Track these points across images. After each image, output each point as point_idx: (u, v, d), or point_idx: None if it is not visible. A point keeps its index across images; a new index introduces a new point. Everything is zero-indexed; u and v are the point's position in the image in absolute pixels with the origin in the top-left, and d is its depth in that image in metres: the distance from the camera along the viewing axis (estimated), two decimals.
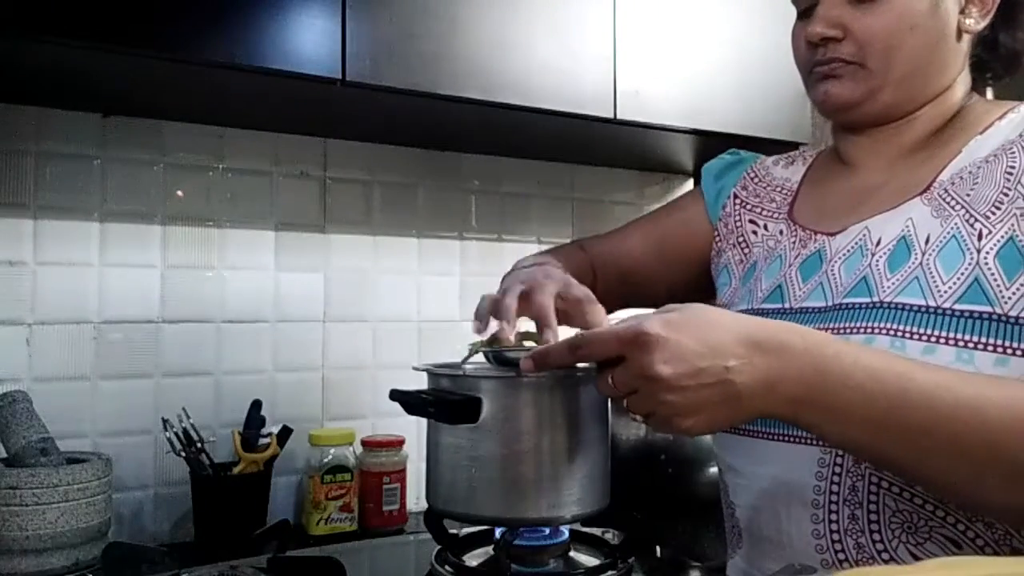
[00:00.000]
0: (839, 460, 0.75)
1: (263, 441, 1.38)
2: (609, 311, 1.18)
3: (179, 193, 1.42)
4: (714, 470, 1.42)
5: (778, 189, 0.97)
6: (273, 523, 1.17)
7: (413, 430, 1.44)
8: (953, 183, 0.78)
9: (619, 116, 1.37)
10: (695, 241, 1.03)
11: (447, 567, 0.99)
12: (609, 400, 1.02)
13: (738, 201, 0.99)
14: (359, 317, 1.56)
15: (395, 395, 0.94)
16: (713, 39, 1.48)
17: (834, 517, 0.75)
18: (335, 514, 1.41)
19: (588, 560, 1.03)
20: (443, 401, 0.92)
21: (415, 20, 1.21)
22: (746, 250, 0.96)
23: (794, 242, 0.88)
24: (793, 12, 0.90)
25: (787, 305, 0.84)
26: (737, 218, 0.98)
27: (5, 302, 1.29)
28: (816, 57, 0.84)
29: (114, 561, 1.10)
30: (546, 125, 1.41)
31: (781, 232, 0.91)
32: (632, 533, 1.03)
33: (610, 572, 0.98)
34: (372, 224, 1.58)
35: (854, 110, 0.84)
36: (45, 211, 1.32)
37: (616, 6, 1.38)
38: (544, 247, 1.72)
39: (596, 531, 1.10)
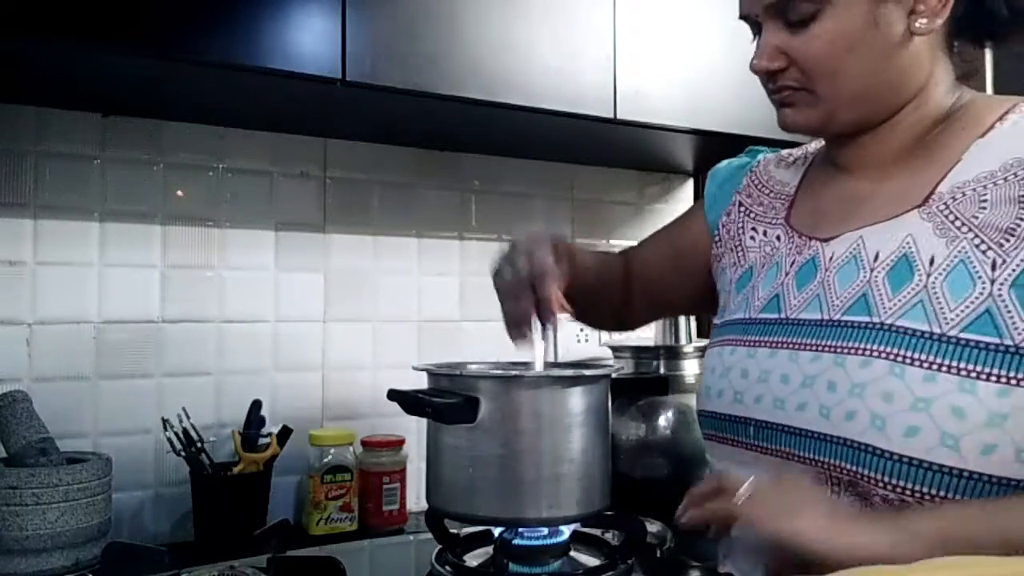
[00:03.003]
0: (836, 481, 0.74)
1: (263, 441, 1.38)
2: (644, 321, 1.20)
3: (179, 193, 1.42)
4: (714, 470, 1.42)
5: (777, 194, 0.95)
6: (273, 523, 1.17)
7: (413, 430, 1.44)
8: (955, 199, 0.75)
9: (619, 116, 1.37)
10: (701, 248, 1.02)
11: (447, 567, 0.99)
12: (609, 400, 1.02)
13: (742, 209, 0.97)
14: (359, 317, 1.56)
15: (393, 395, 0.94)
16: (713, 39, 1.48)
17: None
18: (335, 514, 1.41)
19: (588, 560, 1.03)
20: (441, 401, 0.92)
21: (415, 20, 1.21)
22: (741, 254, 0.95)
23: (790, 248, 0.87)
24: None
25: (783, 315, 0.83)
26: (740, 225, 0.97)
27: (5, 302, 1.29)
28: (769, 86, 0.84)
29: (114, 561, 1.10)
30: (546, 125, 1.41)
31: (778, 237, 0.90)
32: (632, 533, 1.03)
33: (610, 572, 0.98)
34: (372, 224, 1.58)
35: (819, 132, 0.84)
36: (45, 211, 1.32)
37: (616, 6, 1.38)
38: None
39: (596, 531, 1.10)
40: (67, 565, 1.13)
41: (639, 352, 1.54)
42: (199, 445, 1.33)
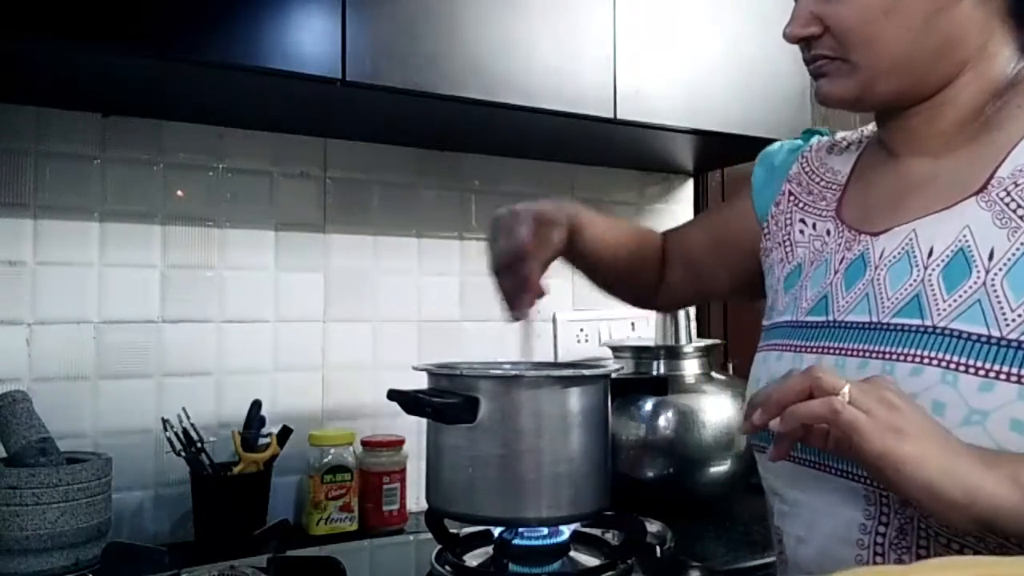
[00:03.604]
0: (885, 500, 0.68)
1: (263, 441, 1.38)
2: (681, 302, 1.16)
3: (179, 193, 1.42)
4: (715, 470, 1.42)
5: (828, 183, 0.88)
6: (273, 523, 1.17)
7: (413, 430, 1.44)
8: (1017, 183, 0.68)
9: (619, 116, 1.37)
10: (746, 235, 0.95)
11: (447, 567, 0.99)
12: (609, 400, 1.02)
13: (792, 199, 0.90)
14: (359, 317, 1.56)
15: (393, 395, 0.94)
16: (713, 39, 1.48)
17: (880, 561, 0.68)
18: (335, 514, 1.41)
19: (588, 560, 1.03)
20: (441, 401, 0.92)
21: (415, 20, 1.21)
22: (789, 249, 0.88)
23: (840, 244, 0.81)
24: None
25: (830, 318, 0.77)
26: (788, 216, 0.90)
27: (5, 302, 1.29)
28: (805, 55, 0.79)
29: (114, 561, 1.10)
30: (546, 125, 1.41)
31: (828, 232, 0.83)
32: (632, 533, 1.03)
33: (610, 572, 0.98)
34: (372, 224, 1.58)
35: (856, 105, 0.78)
36: (45, 211, 1.32)
37: (616, 6, 1.38)
38: None
39: (596, 531, 1.10)
40: (67, 565, 1.13)
41: (639, 352, 1.54)
42: (199, 445, 1.33)
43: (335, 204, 1.54)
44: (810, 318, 0.79)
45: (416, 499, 1.51)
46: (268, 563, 1.03)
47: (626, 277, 1.07)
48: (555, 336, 1.72)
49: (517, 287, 0.91)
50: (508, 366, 1.03)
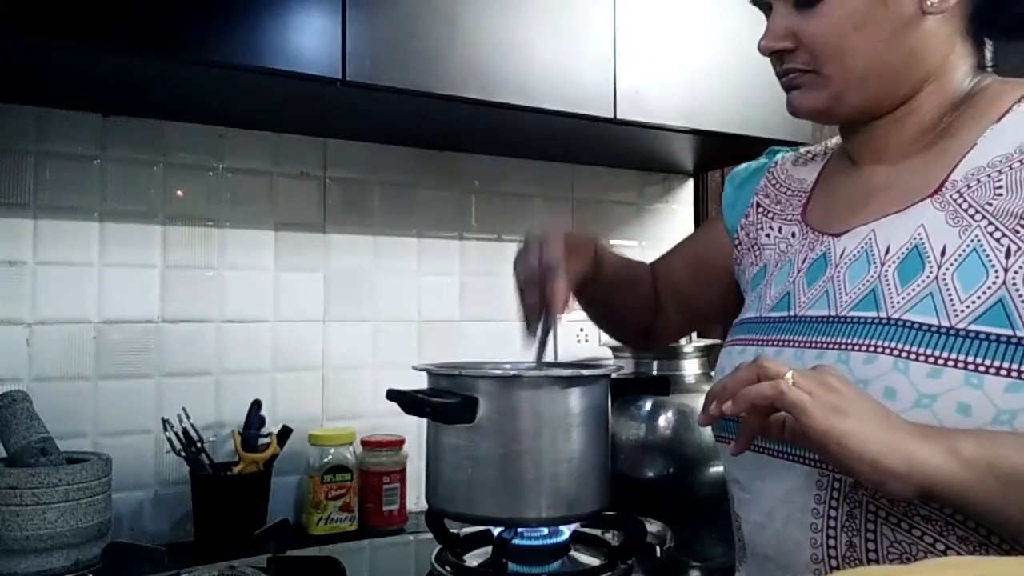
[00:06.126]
0: (836, 485, 0.72)
1: (263, 441, 1.38)
2: (675, 332, 1.18)
3: (179, 193, 1.42)
4: (715, 470, 1.42)
5: (794, 191, 0.93)
6: (273, 523, 1.17)
7: (413, 430, 1.44)
8: (969, 186, 0.72)
9: (619, 116, 1.37)
10: (721, 253, 1.00)
11: (447, 567, 0.99)
12: (609, 400, 1.02)
13: (760, 210, 0.95)
14: (359, 317, 1.56)
15: (392, 395, 0.94)
16: (713, 39, 1.48)
17: (832, 543, 0.72)
18: (335, 514, 1.41)
19: (588, 560, 1.03)
20: (440, 401, 0.92)
21: (415, 20, 1.21)
22: (757, 253, 0.93)
23: (804, 244, 0.85)
24: None
25: (792, 313, 0.81)
26: (757, 226, 0.95)
27: (5, 302, 1.29)
28: (777, 68, 0.83)
29: (114, 561, 1.10)
30: (546, 125, 1.41)
31: (793, 234, 0.88)
32: (632, 533, 1.03)
33: (610, 572, 0.98)
34: (372, 224, 1.58)
35: (826, 116, 0.82)
36: (45, 211, 1.32)
37: (616, 6, 1.38)
38: None
39: (596, 531, 1.10)
40: (67, 565, 1.13)
41: (639, 352, 1.54)
42: (199, 445, 1.33)
43: (335, 204, 1.54)
44: (773, 314, 0.83)
45: (416, 499, 1.52)
46: (268, 563, 1.03)
47: (623, 309, 1.10)
48: (555, 336, 1.72)
49: (540, 304, 0.92)
50: (508, 366, 1.03)
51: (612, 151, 1.69)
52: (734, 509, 0.86)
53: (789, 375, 0.64)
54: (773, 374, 0.65)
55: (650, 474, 1.42)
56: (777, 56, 0.81)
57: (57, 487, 1.12)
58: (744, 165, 1.03)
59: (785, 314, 0.82)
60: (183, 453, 1.32)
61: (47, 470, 1.13)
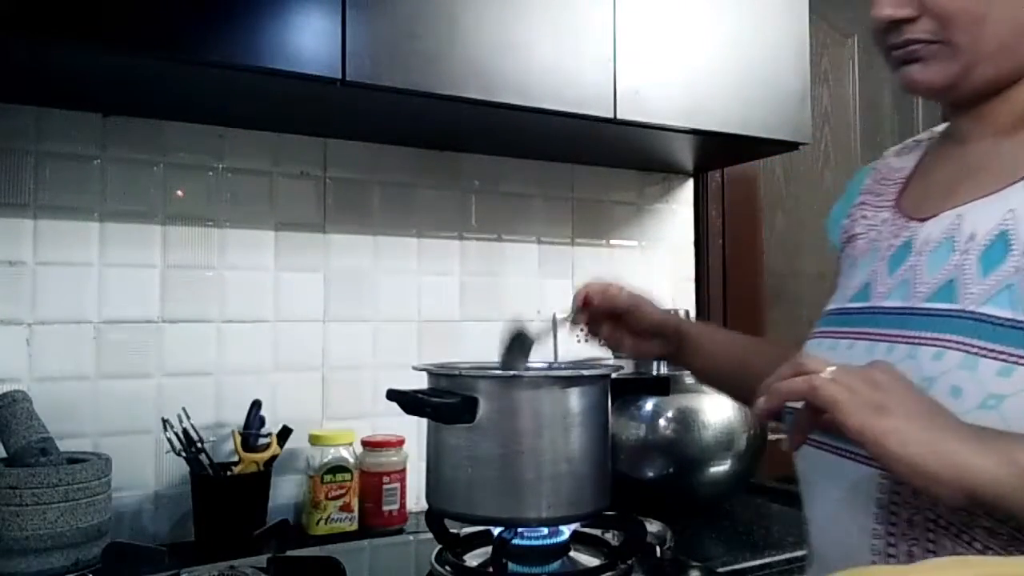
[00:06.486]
0: (897, 488, 0.67)
1: (263, 441, 1.38)
2: None
3: (179, 193, 1.42)
4: (715, 470, 1.42)
5: (894, 181, 0.86)
6: (273, 523, 1.17)
7: (413, 430, 1.44)
8: None
9: (619, 116, 1.37)
10: None
11: (447, 567, 0.99)
12: (609, 400, 1.02)
13: (861, 207, 0.88)
14: (359, 317, 1.56)
15: (392, 395, 0.94)
16: (713, 39, 1.48)
17: (892, 551, 0.67)
18: (335, 514, 1.41)
19: (588, 560, 1.03)
20: (440, 401, 0.92)
21: (415, 20, 1.21)
22: (851, 246, 0.87)
23: (892, 231, 0.79)
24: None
25: (870, 304, 0.76)
26: (854, 219, 0.88)
27: (5, 302, 1.29)
28: (891, 40, 0.74)
29: (114, 561, 1.10)
30: (546, 125, 1.41)
31: (884, 221, 0.82)
32: (632, 533, 1.03)
33: (610, 572, 0.98)
34: (372, 224, 1.58)
35: (950, 92, 0.74)
36: (45, 211, 1.32)
37: (616, 6, 1.37)
38: (544, 247, 1.73)
39: (596, 531, 1.10)
40: (67, 565, 1.13)
41: None
42: (199, 445, 1.33)
43: (335, 204, 1.54)
44: (852, 304, 0.79)
45: (416, 499, 1.51)
46: (268, 563, 1.03)
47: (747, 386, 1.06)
48: (555, 336, 1.72)
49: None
50: None
51: (612, 151, 1.69)
52: (804, 511, 0.82)
53: (829, 370, 0.61)
54: (809, 368, 0.62)
55: (650, 474, 1.42)
56: (895, 26, 0.73)
57: (57, 487, 1.12)
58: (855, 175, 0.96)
59: (863, 305, 0.77)
60: (183, 453, 1.32)
61: (47, 470, 1.13)
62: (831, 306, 0.84)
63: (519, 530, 0.98)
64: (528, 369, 0.97)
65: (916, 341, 0.68)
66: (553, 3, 1.32)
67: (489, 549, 1.03)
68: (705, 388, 1.47)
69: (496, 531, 0.99)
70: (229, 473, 1.35)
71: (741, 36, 1.50)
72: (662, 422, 1.41)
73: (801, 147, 1.61)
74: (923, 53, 0.72)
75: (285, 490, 1.46)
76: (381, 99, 1.24)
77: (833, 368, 0.61)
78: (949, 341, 0.65)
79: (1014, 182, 0.69)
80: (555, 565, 1.00)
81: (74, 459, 1.20)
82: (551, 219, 1.75)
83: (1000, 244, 0.67)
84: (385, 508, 1.45)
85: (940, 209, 0.74)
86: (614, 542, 1.07)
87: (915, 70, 0.73)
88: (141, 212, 1.39)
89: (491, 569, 0.98)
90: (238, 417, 1.39)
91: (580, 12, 1.35)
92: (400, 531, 1.45)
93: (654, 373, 1.51)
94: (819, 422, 0.64)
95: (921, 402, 0.60)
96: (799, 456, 0.79)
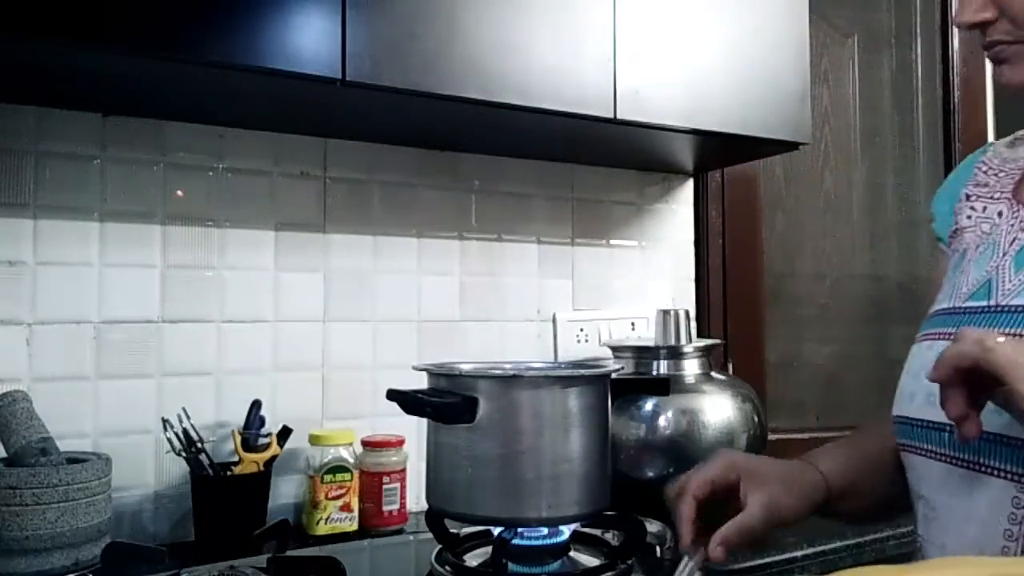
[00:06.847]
0: None
1: (263, 441, 1.38)
2: None
3: (179, 193, 1.42)
4: None
5: (1008, 172, 0.82)
6: (273, 523, 1.17)
7: (413, 430, 1.44)
8: None
9: (619, 116, 1.37)
10: None
11: (447, 567, 0.99)
12: (609, 400, 1.02)
13: (967, 199, 0.85)
14: (359, 317, 1.56)
15: (392, 395, 0.94)
16: (713, 39, 1.48)
17: None
18: (335, 514, 1.41)
19: (588, 560, 1.03)
20: (440, 401, 0.92)
21: (415, 20, 1.21)
22: (958, 240, 0.83)
23: (1013, 225, 0.76)
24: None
25: (993, 302, 0.72)
26: (960, 213, 0.85)
27: (5, 302, 1.29)
28: (981, 41, 0.75)
29: (114, 561, 1.10)
30: (546, 125, 1.41)
31: (1000, 214, 0.78)
32: (632, 533, 1.03)
33: (610, 572, 0.98)
34: (372, 224, 1.58)
35: None
36: (45, 211, 1.32)
37: (616, 6, 1.37)
38: (544, 247, 1.73)
39: (596, 531, 1.10)
40: (67, 565, 1.13)
41: (639, 352, 1.54)
42: (199, 445, 1.33)
43: (335, 204, 1.54)
44: (969, 304, 0.75)
45: (416, 499, 1.51)
46: (268, 563, 1.03)
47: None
48: (555, 336, 1.72)
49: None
50: (508, 366, 1.03)
51: (612, 151, 1.69)
52: (917, 530, 0.78)
53: (999, 339, 0.58)
54: (978, 335, 0.59)
55: (650, 474, 1.42)
56: (980, 28, 0.74)
57: (57, 487, 1.12)
58: (952, 174, 0.93)
59: (984, 304, 0.73)
60: (183, 453, 1.32)
61: (47, 470, 1.13)
62: (941, 305, 0.80)
63: (519, 530, 0.98)
64: (528, 369, 0.97)
65: None
66: (553, 3, 1.32)
67: (489, 549, 1.03)
68: (705, 388, 1.47)
69: (496, 531, 0.99)
70: (229, 473, 1.35)
71: (741, 36, 1.50)
72: (662, 422, 1.41)
73: (801, 147, 1.61)
74: (1008, 53, 0.73)
75: (285, 490, 1.46)
76: (381, 99, 1.24)
77: (1002, 339, 0.59)
78: None
79: None
80: (555, 565, 1.00)
81: (74, 459, 1.20)
82: (551, 219, 1.75)
83: None
84: (385, 508, 1.45)
85: None
86: (614, 542, 1.07)
87: (1004, 71, 0.74)
88: (141, 212, 1.39)
89: (491, 569, 0.98)
90: (238, 417, 1.39)
91: (580, 12, 1.35)
92: (400, 531, 1.45)
93: (654, 373, 1.51)
94: (982, 399, 0.61)
95: None
96: (920, 474, 0.76)
